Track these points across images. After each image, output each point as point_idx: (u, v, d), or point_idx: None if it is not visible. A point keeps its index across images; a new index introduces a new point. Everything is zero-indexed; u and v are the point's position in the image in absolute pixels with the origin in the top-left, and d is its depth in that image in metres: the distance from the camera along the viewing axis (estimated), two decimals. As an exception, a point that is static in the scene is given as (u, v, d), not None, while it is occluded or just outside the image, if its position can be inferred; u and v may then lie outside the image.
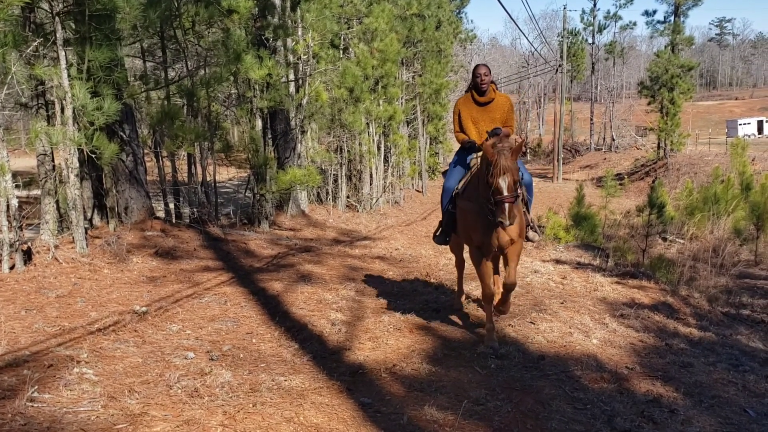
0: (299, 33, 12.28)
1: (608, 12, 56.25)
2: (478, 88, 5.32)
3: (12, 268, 6.24)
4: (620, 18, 57.34)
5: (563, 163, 41.45)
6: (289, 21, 11.86)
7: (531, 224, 5.48)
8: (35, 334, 4.78)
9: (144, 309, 5.57)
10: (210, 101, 10.29)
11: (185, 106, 9.97)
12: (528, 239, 5.50)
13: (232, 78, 10.27)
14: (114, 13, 6.97)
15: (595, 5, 53.54)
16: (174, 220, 9.47)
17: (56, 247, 6.78)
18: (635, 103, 53.88)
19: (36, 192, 7.34)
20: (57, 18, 6.63)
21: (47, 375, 3.97)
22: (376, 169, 18.25)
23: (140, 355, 4.55)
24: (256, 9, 10.91)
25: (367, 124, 16.77)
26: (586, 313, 6.35)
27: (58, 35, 6.64)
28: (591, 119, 54.64)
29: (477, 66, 5.39)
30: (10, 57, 6.35)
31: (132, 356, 4.50)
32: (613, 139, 50.26)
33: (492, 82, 5.38)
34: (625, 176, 33.43)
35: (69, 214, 7.04)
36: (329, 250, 9.57)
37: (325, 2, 12.61)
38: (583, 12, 55.29)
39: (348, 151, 16.70)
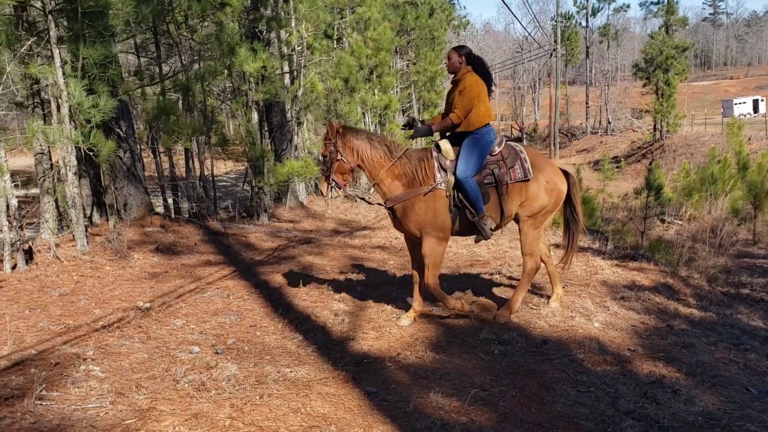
0: (292, 24, 12.22)
1: (601, -6, 55.98)
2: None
3: (14, 267, 6.26)
4: (614, 0, 57.20)
5: (560, 148, 41.44)
6: (282, 12, 11.81)
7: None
8: (40, 333, 4.80)
9: (147, 305, 5.59)
10: (205, 95, 10.27)
11: (180, 101, 9.95)
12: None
13: (226, 71, 10.23)
14: (106, 10, 6.93)
15: (588, -12, 53.40)
16: (173, 216, 9.47)
17: (57, 245, 6.79)
18: (630, 86, 53.87)
19: (34, 191, 7.34)
20: (50, 16, 6.60)
21: (54, 373, 3.99)
22: (374, 158, 18.20)
23: (146, 350, 4.58)
24: (249, 1, 10.88)
25: (363, 113, 16.74)
26: (587, 296, 6.38)
27: (51, 33, 6.61)
28: (586, 103, 54.56)
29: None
30: (3, 56, 6.34)
31: (138, 352, 4.52)
32: (609, 122, 50.21)
33: (470, 62, 5.21)
34: (622, 159, 33.43)
35: (68, 213, 7.04)
36: (329, 241, 9.59)
37: (318, -8, 12.55)
38: (576, -5, 55.01)
39: (345, 141, 16.66)
